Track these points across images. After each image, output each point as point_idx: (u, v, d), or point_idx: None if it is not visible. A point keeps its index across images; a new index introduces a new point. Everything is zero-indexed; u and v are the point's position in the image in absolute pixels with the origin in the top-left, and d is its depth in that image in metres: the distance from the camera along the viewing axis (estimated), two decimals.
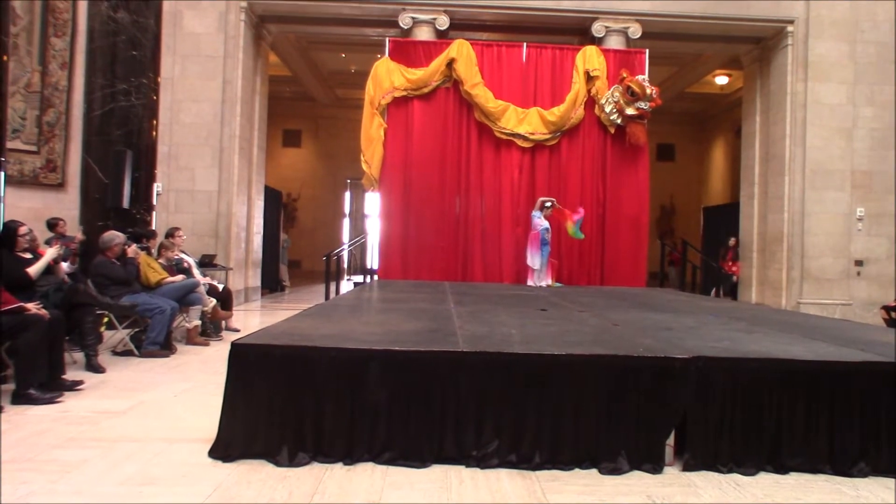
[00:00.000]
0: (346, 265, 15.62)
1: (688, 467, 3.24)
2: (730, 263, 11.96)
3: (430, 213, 10.02)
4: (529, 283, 9.36)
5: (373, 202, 12.33)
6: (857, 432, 3.29)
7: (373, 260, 11.10)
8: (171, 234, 7.58)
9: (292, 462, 3.14)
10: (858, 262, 10.52)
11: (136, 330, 6.26)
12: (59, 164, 9.42)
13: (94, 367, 5.24)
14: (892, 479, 3.21)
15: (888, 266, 10.46)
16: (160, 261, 6.91)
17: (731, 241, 12.08)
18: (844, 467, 3.25)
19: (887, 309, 8.20)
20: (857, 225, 10.54)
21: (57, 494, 2.81)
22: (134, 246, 6.51)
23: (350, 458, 3.19)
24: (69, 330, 5.16)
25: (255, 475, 3.04)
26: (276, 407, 3.23)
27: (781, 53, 10.91)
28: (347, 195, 19.91)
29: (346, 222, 19.95)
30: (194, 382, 5.00)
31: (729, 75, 15.33)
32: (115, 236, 6.24)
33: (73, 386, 4.60)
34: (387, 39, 10.33)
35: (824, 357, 3.50)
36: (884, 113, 10.49)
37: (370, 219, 15.66)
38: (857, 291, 10.50)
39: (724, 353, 3.50)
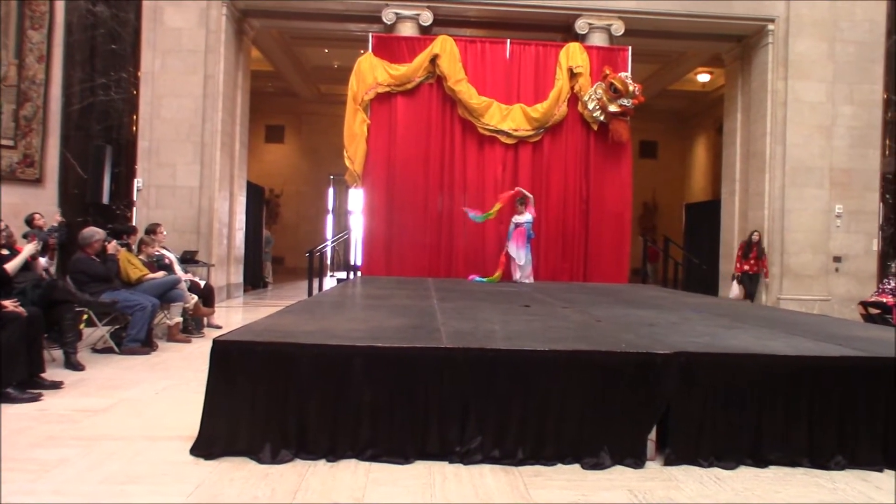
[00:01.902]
0: (329, 261, 15.55)
1: (669, 462, 3.27)
2: (753, 261, 10.78)
3: (414, 210, 10.00)
4: (515, 277, 9.31)
5: (356, 198, 12.30)
6: (834, 426, 3.34)
7: (356, 256, 11.08)
8: (152, 230, 7.51)
9: (275, 459, 3.13)
10: (837, 259, 10.67)
11: (117, 327, 6.20)
12: (36, 158, 9.28)
13: (73, 364, 5.18)
14: (868, 472, 3.27)
15: (866, 262, 10.62)
16: (141, 257, 6.84)
17: (756, 237, 10.81)
18: (822, 460, 3.30)
19: (864, 304, 8.32)
20: (835, 222, 10.68)
21: (36, 494, 2.77)
22: (114, 242, 6.44)
23: (333, 454, 3.18)
24: (48, 327, 5.09)
25: (238, 473, 3.02)
26: (258, 404, 3.21)
27: (762, 52, 11.02)
28: (331, 191, 19.83)
29: (329, 219, 19.88)
30: (176, 380, 4.96)
31: (711, 73, 15.46)
32: (94, 232, 6.17)
33: (53, 384, 4.54)
34: (370, 35, 10.28)
35: (804, 352, 3.55)
36: (862, 111, 10.63)
37: (353, 215, 15.63)
38: (836, 287, 10.65)
39: (705, 348, 3.54)
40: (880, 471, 3.29)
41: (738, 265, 10.98)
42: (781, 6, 10.68)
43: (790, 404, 3.33)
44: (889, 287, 8.08)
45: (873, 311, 8.07)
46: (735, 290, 10.81)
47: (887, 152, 8.64)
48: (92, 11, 7.64)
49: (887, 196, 8.59)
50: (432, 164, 10.07)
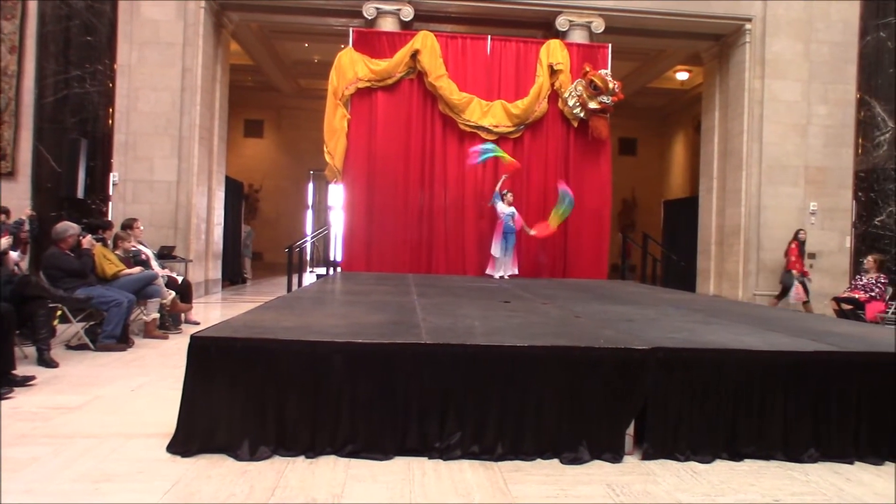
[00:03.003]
0: (308, 257, 15.45)
1: (647, 456, 3.30)
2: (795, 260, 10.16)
3: (394, 205, 9.96)
4: (488, 271, 9.38)
5: (336, 194, 12.23)
6: (808, 419, 3.40)
7: (336, 252, 11.02)
8: (129, 225, 7.41)
9: (253, 456, 3.10)
10: (811, 256, 10.83)
11: (92, 323, 6.10)
12: (8, 152, 9.11)
13: (46, 361, 5.09)
14: (840, 464, 3.33)
15: (839, 259, 10.78)
16: (117, 252, 6.74)
17: (803, 235, 10.29)
18: (796, 454, 3.35)
19: (837, 300, 8.47)
20: (810, 219, 10.85)
21: (7, 493, 2.72)
22: (89, 237, 6.34)
23: (312, 451, 3.17)
24: (20, 324, 5.00)
25: (215, 470, 2.99)
26: (236, 400, 3.18)
27: (740, 51, 11.14)
28: (310, 186, 19.72)
29: (308, 214, 19.76)
30: (152, 376, 4.90)
31: (689, 71, 15.59)
32: (68, 227, 6.07)
33: (24, 381, 4.46)
34: (350, 30, 10.21)
35: (778, 347, 3.61)
36: (836, 110, 10.80)
37: (333, 210, 15.54)
38: (810, 284, 10.81)
39: (682, 344, 3.57)
40: (851, 463, 3.36)
41: (800, 265, 10.12)
42: (758, 6, 10.81)
43: (765, 398, 3.38)
44: (861, 283, 8.23)
45: (846, 306, 8.22)
46: (800, 292, 9.94)
47: (860, 151, 8.76)
48: (66, 2, 7.49)
49: (860, 194, 8.72)
50: (413, 159, 10.04)
